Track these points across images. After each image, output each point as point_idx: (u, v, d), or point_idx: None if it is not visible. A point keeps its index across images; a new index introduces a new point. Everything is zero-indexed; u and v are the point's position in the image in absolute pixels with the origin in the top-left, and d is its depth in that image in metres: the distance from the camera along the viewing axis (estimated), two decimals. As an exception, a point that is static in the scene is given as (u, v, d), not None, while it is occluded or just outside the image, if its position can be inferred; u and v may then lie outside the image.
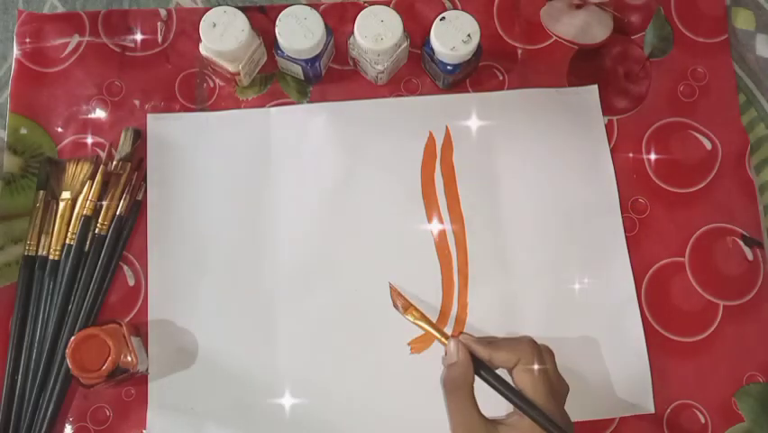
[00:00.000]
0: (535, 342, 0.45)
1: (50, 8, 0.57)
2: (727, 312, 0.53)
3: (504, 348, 0.45)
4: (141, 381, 0.50)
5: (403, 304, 0.50)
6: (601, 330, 0.52)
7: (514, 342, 0.45)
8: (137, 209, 0.53)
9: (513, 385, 0.44)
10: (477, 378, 0.45)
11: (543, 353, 0.45)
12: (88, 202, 0.52)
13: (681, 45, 0.58)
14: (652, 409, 0.51)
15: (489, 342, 0.46)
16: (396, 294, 0.51)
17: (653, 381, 0.52)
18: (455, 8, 0.57)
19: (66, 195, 0.52)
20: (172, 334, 0.51)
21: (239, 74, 0.53)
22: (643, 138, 0.56)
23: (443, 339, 0.47)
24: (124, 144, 0.53)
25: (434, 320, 0.52)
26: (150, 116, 0.55)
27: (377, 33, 0.51)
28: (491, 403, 0.44)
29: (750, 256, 0.54)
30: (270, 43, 0.53)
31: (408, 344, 0.52)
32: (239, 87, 0.56)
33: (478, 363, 0.45)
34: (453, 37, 0.50)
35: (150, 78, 0.56)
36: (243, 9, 0.52)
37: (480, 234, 0.53)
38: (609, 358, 0.52)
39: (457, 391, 0.44)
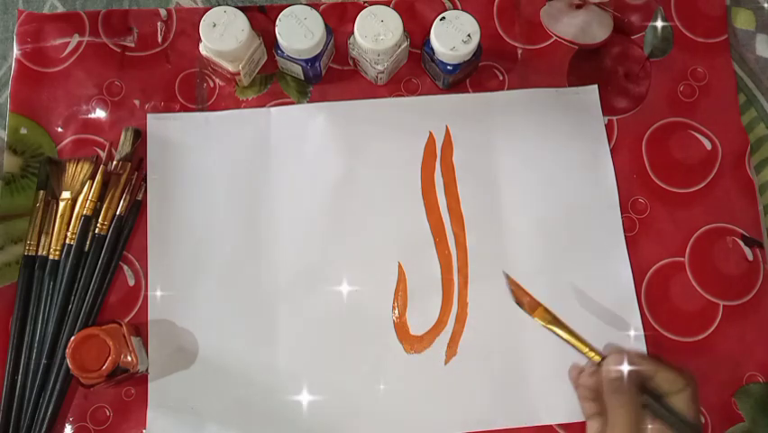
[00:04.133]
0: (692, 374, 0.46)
1: (50, 8, 0.57)
2: (727, 312, 0.53)
3: (672, 370, 0.45)
4: (141, 381, 0.50)
5: (529, 303, 0.50)
6: (601, 330, 0.52)
7: (680, 368, 0.45)
8: (137, 209, 0.53)
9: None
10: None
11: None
12: (88, 202, 0.52)
13: (681, 45, 0.58)
14: (652, 409, 0.51)
15: (647, 359, 0.46)
16: (518, 290, 0.50)
17: (653, 381, 0.52)
18: (455, 8, 0.57)
19: (66, 195, 0.52)
20: (172, 334, 0.51)
21: (239, 74, 0.53)
22: (643, 138, 0.56)
23: (589, 351, 0.48)
24: (124, 144, 0.53)
25: (435, 321, 0.52)
26: (150, 116, 0.55)
27: (377, 33, 0.51)
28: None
29: (750, 256, 0.54)
30: (270, 43, 0.53)
31: (408, 343, 0.52)
32: (239, 87, 0.56)
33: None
34: (453, 37, 0.50)
35: (150, 78, 0.56)
36: (243, 9, 0.52)
37: (479, 234, 0.53)
38: (609, 358, 0.52)
39: (628, 396, 0.44)
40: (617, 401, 0.44)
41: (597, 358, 0.48)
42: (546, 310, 0.50)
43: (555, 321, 0.49)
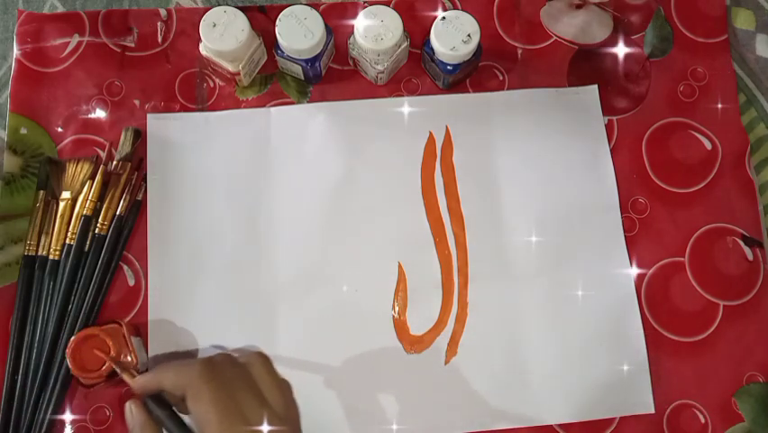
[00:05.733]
0: (210, 362, 0.41)
1: (50, 8, 0.57)
2: (727, 312, 0.53)
3: (172, 370, 0.41)
4: (141, 381, 0.50)
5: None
6: (601, 330, 0.52)
7: (183, 366, 0.41)
8: (137, 209, 0.53)
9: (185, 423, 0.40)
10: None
11: (222, 369, 0.40)
12: (88, 202, 0.52)
13: (681, 45, 0.58)
14: (652, 410, 0.51)
15: (159, 367, 0.42)
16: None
17: (653, 381, 0.52)
18: (455, 8, 0.57)
19: (66, 195, 0.52)
20: (172, 334, 0.51)
21: (239, 74, 0.53)
22: (643, 138, 0.56)
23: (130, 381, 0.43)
24: (124, 144, 0.53)
25: (435, 321, 0.52)
26: (150, 116, 0.55)
27: (377, 33, 0.51)
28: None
29: (750, 256, 0.54)
30: (270, 43, 0.53)
31: (408, 343, 0.52)
32: (239, 87, 0.56)
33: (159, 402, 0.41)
34: (453, 37, 0.50)
35: (150, 78, 0.56)
36: (243, 9, 0.52)
37: (480, 234, 0.54)
38: (609, 358, 0.52)
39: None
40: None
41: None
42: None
43: None
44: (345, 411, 0.50)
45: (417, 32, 0.56)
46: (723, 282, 0.54)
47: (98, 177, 0.52)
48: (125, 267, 0.52)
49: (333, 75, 0.57)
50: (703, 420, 0.52)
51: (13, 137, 0.54)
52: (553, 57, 0.58)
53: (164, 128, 0.55)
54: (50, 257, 0.51)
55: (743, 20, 0.59)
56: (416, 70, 0.57)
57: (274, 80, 0.56)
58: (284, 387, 0.43)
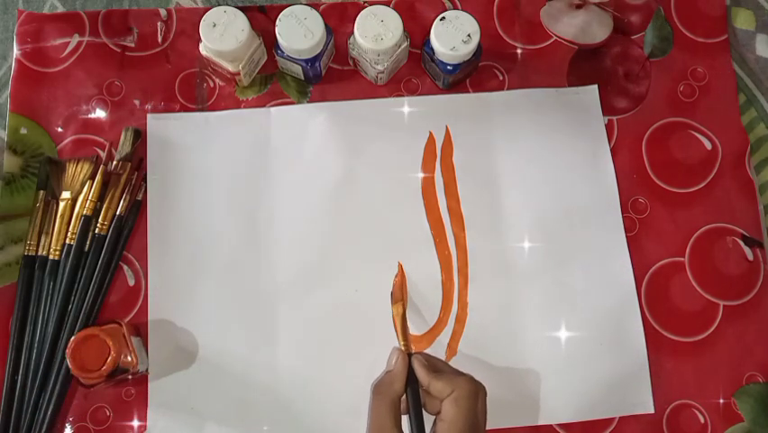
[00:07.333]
0: (475, 381, 0.45)
1: (50, 8, 0.57)
2: (727, 312, 0.53)
3: (443, 379, 0.45)
4: (141, 381, 0.50)
5: (396, 295, 0.50)
6: (601, 330, 0.52)
7: (454, 376, 0.45)
8: (137, 209, 0.53)
9: (423, 415, 0.45)
10: None
11: (479, 392, 0.45)
12: (88, 202, 0.52)
13: (681, 45, 0.58)
14: (651, 410, 0.51)
15: (436, 370, 0.46)
16: (398, 284, 0.51)
17: (653, 381, 0.52)
18: (455, 8, 0.57)
19: (66, 195, 0.52)
20: (172, 334, 0.51)
21: (239, 74, 0.53)
22: (643, 138, 0.56)
23: (401, 346, 0.48)
24: (124, 144, 0.53)
25: (435, 321, 0.52)
26: (150, 116, 0.55)
27: (377, 33, 0.51)
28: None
29: (750, 256, 0.54)
30: (270, 43, 0.54)
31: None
32: (239, 87, 0.56)
33: (412, 380, 0.46)
34: (453, 37, 0.51)
35: (150, 78, 0.56)
36: (243, 9, 0.52)
37: (480, 234, 0.53)
38: (609, 358, 0.52)
39: (381, 397, 0.45)
40: (373, 399, 0.45)
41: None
42: (402, 307, 0.50)
43: (403, 322, 0.49)
44: (346, 411, 0.50)
45: (417, 32, 0.56)
46: (723, 282, 0.54)
47: (98, 177, 0.52)
48: (125, 267, 0.52)
49: (333, 75, 0.57)
50: (703, 420, 0.52)
51: (13, 137, 0.54)
52: (553, 57, 0.58)
53: (164, 128, 0.55)
54: (50, 257, 0.51)
55: (743, 20, 0.59)
56: (416, 70, 0.57)
57: (274, 80, 0.56)
58: None
